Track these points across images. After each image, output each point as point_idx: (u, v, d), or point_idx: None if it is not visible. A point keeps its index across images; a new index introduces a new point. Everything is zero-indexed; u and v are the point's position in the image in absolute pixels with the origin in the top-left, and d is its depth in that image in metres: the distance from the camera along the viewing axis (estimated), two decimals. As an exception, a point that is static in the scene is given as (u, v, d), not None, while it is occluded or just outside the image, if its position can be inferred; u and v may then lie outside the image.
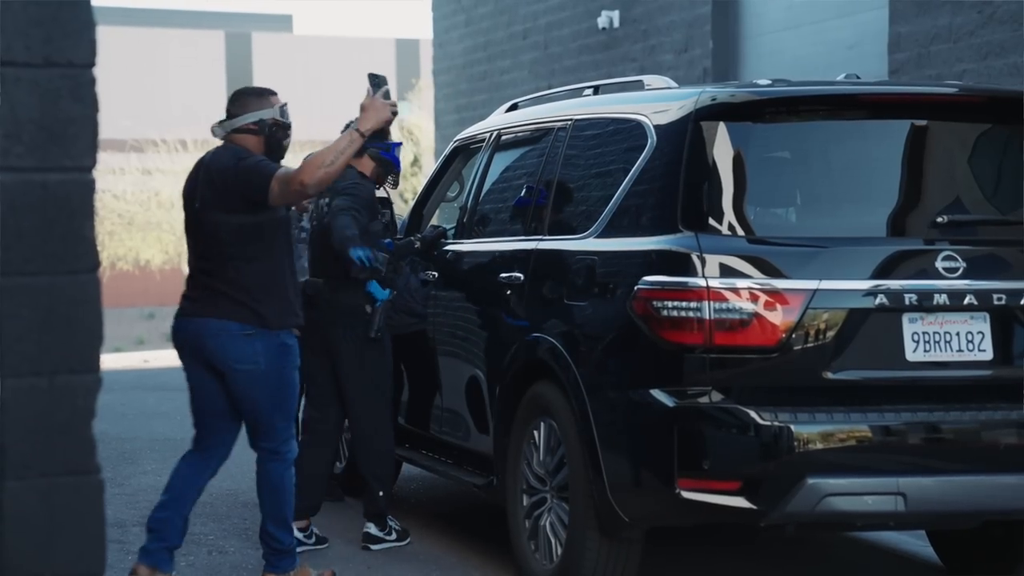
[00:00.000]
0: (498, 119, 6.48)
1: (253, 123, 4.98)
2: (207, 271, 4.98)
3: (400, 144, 6.39)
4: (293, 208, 6.62)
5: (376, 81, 4.93)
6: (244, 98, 5.05)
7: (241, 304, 4.91)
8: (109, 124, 29.54)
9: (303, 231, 6.67)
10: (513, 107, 6.54)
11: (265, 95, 5.06)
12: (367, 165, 6.12)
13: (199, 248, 5.03)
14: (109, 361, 18.32)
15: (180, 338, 5.11)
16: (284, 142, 5.04)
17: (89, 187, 2.32)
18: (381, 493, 6.06)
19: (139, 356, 19.02)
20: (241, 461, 8.25)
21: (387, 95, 4.89)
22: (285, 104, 5.06)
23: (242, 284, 4.91)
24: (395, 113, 4.88)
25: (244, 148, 4.95)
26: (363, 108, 4.83)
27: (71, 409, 2.30)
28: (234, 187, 4.83)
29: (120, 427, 9.68)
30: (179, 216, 24.85)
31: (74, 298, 2.30)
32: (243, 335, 4.92)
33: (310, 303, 5.94)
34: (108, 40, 34.72)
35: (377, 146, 6.06)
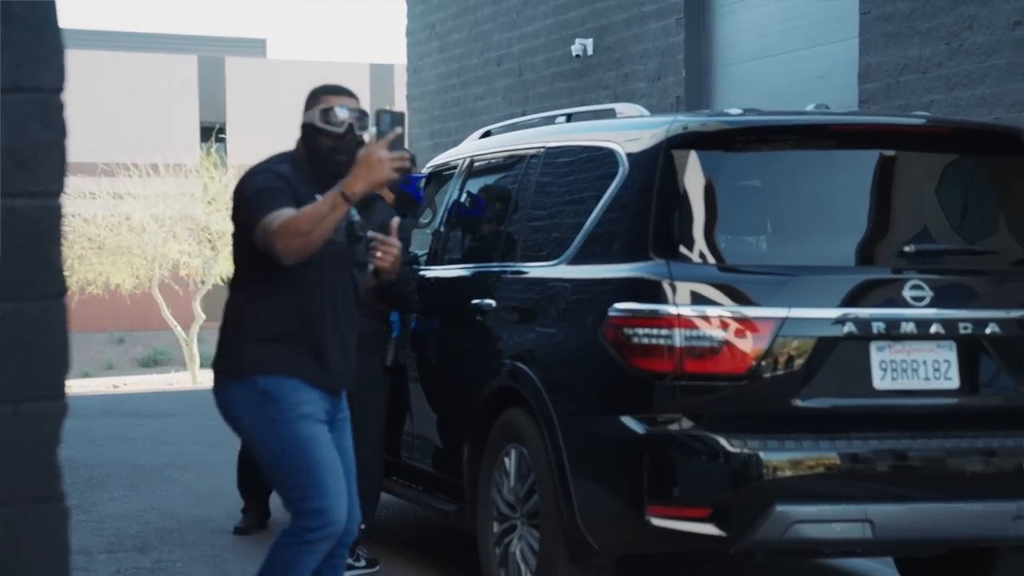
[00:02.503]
0: (471, 146, 6.50)
1: (301, 127, 4.18)
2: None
3: (423, 177, 6.24)
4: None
5: (383, 120, 3.89)
6: (307, 99, 4.21)
7: (225, 343, 4.11)
8: (80, 148, 29.46)
9: None
10: (486, 134, 6.56)
11: (318, 95, 4.15)
12: (387, 194, 6.03)
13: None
14: (78, 386, 18.20)
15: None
16: (329, 152, 4.07)
17: (57, 213, 2.31)
18: (363, 526, 6.06)
19: (108, 381, 18.91)
20: (211, 486, 8.22)
21: (398, 145, 3.85)
22: (327, 108, 4.09)
23: (234, 319, 4.10)
24: (403, 170, 3.87)
25: (283, 155, 4.18)
26: (359, 159, 3.86)
27: (36, 436, 2.28)
28: (236, 206, 4.08)
29: (88, 453, 9.62)
30: (150, 240, 24.82)
31: (41, 324, 2.28)
32: (220, 382, 4.11)
33: None
34: (80, 63, 34.68)
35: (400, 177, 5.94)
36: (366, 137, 4.05)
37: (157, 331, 29.29)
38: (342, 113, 4.08)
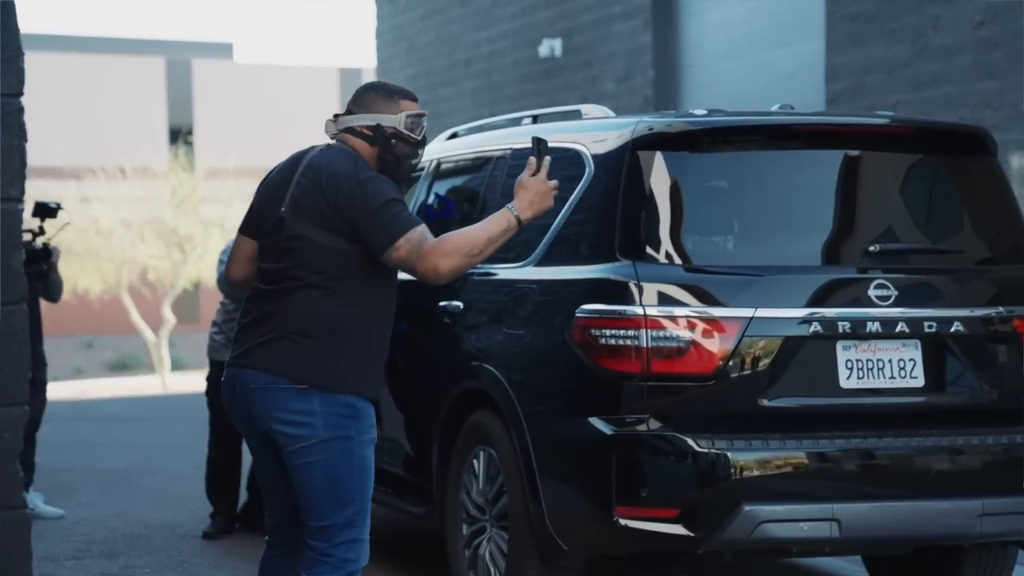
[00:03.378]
0: (438, 147, 6.49)
1: (368, 126, 4.00)
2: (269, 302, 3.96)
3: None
4: None
5: (542, 148, 4.02)
6: (368, 95, 4.05)
7: (310, 350, 3.85)
8: (46, 151, 29.30)
9: None
10: (453, 135, 6.56)
11: (395, 97, 4.05)
12: None
13: (267, 271, 3.96)
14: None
15: (227, 395, 4.04)
16: (404, 159, 4.02)
17: (17, 217, 2.30)
18: None
19: (77, 386, 18.80)
20: (180, 491, 8.19)
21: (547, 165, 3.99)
22: (418, 115, 4.04)
23: (324, 326, 3.86)
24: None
25: (358, 155, 3.98)
26: (523, 187, 3.91)
27: (-3, 442, 2.27)
28: (344, 206, 3.83)
29: (56, 459, 9.56)
30: (118, 244, 24.68)
31: (1, 330, 2.27)
32: (296, 390, 3.85)
33: None
34: (46, 67, 34.46)
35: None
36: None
37: (126, 335, 29.15)
38: (423, 123, 4.08)
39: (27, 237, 7.45)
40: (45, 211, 7.53)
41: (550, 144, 5.27)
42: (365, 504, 3.94)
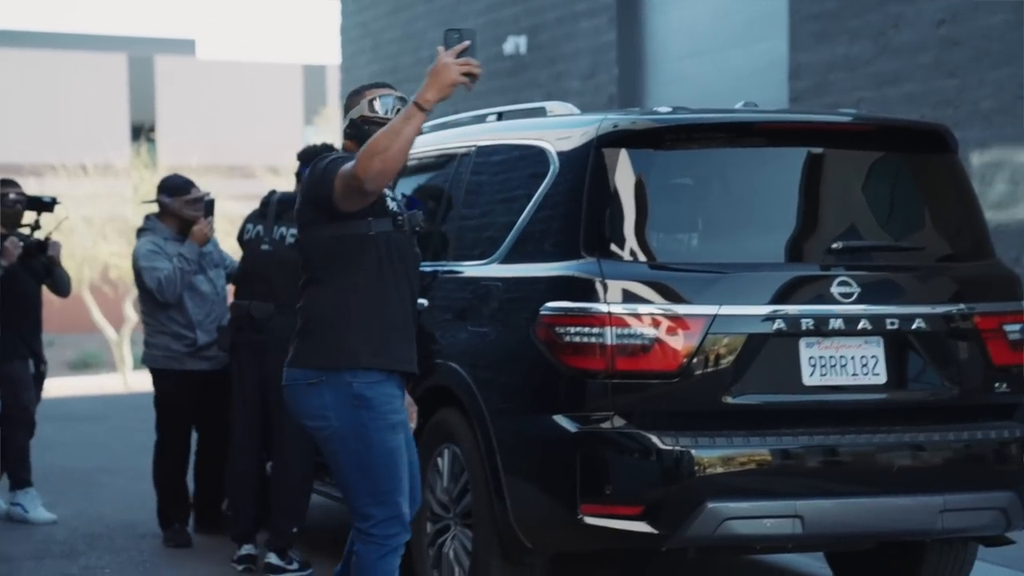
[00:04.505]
0: (402, 145, 6.46)
1: (347, 127, 4.34)
2: (295, 306, 4.36)
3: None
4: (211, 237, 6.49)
5: (451, 38, 3.94)
6: (346, 101, 4.39)
7: (307, 341, 4.18)
8: (6, 148, 29.04)
9: (202, 255, 6.60)
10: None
11: (362, 91, 4.34)
12: None
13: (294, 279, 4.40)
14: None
15: None
16: None
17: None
18: (295, 529, 6.03)
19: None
20: (141, 490, 8.13)
21: (470, 52, 3.93)
22: (381, 96, 4.28)
23: (311, 315, 4.19)
24: (471, 75, 3.90)
25: (330, 150, 4.30)
26: (428, 74, 3.92)
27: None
28: (307, 196, 4.19)
29: (16, 457, 9.46)
30: (79, 241, 24.49)
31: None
32: (307, 384, 4.17)
33: (255, 327, 5.98)
34: (6, 63, 34.17)
35: None
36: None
37: (87, 334, 28.95)
38: (387, 101, 4.27)
39: (25, 232, 7.35)
40: (39, 205, 7.39)
41: (516, 143, 5.27)
42: (395, 483, 4.16)
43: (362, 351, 4.14)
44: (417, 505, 4.44)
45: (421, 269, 5.55)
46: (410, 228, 4.31)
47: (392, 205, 4.26)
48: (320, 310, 4.19)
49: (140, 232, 6.75)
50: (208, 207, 6.57)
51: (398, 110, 4.21)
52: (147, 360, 6.68)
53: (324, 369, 4.14)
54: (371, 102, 4.28)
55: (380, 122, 4.16)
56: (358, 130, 4.26)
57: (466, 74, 3.89)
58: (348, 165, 4.00)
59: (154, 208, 6.77)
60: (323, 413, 4.14)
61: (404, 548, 4.26)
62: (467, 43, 3.92)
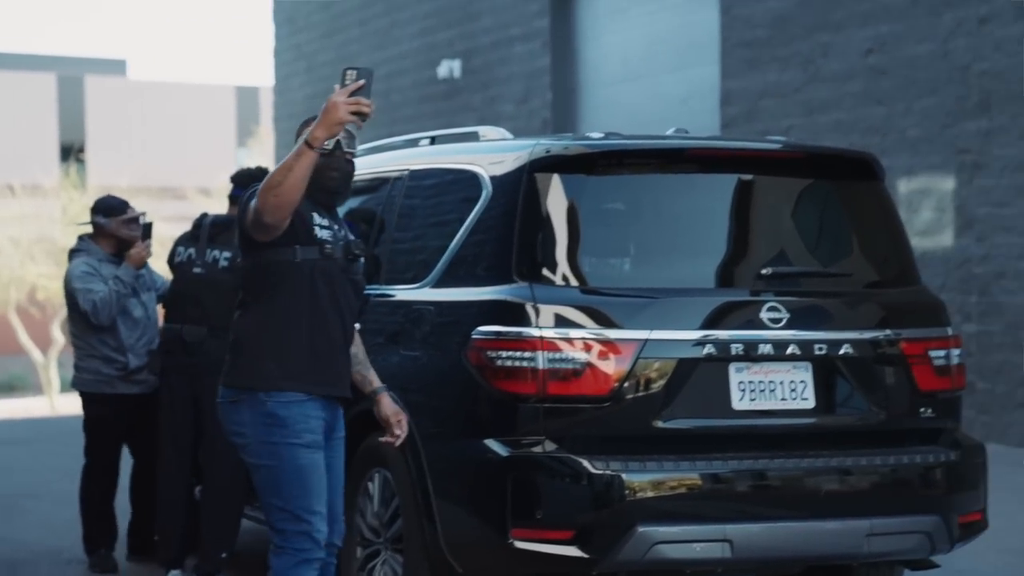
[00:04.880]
0: (334, 168, 6.45)
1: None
2: None
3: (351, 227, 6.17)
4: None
5: (347, 77, 4.00)
6: (298, 129, 4.44)
7: (232, 361, 4.34)
8: (-67, 167, 28.52)
9: (137, 278, 6.53)
10: (350, 156, 6.52)
11: (307, 122, 4.37)
12: None
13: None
14: (-71, 413, 17.57)
15: None
16: (318, 168, 4.15)
17: None
18: (224, 555, 5.97)
19: (-38, 407, 18.33)
20: (66, 515, 8.00)
21: (365, 91, 3.99)
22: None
23: (237, 337, 4.34)
24: (361, 114, 3.98)
25: None
26: (320, 111, 4.02)
27: None
28: (238, 224, 4.35)
29: (-62, 482, 9.30)
30: (6, 262, 24.17)
31: None
32: (230, 402, 4.34)
33: (187, 350, 5.91)
34: (-66, 81, 33.62)
35: None
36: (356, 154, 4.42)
37: (13, 356, 28.53)
38: (343, 133, 4.29)
39: None
40: None
41: (448, 167, 5.28)
42: (306, 501, 4.27)
43: (278, 373, 4.26)
44: (341, 531, 4.50)
45: (353, 293, 5.54)
46: (344, 255, 4.37)
47: (322, 234, 4.32)
48: (244, 333, 4.34)
49: (73, 253, 6.65)
50: (146, 230, 6.50)
51: (337, 142, 4.29)
52: (77, 383, 6.58)
53: (243, 388, 4.30)
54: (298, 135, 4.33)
55: (321, 153, 4.17)
56: None
57: (356, 112, 3.98)
58: (252, 200, 4.19)
59: (88, 229, 6.68)
60: (241, 430, 4.31)
61: (319, 564, 4.32)
62: (361, 82, 3.99)
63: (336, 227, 4.40)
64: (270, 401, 4.25)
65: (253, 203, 4.15)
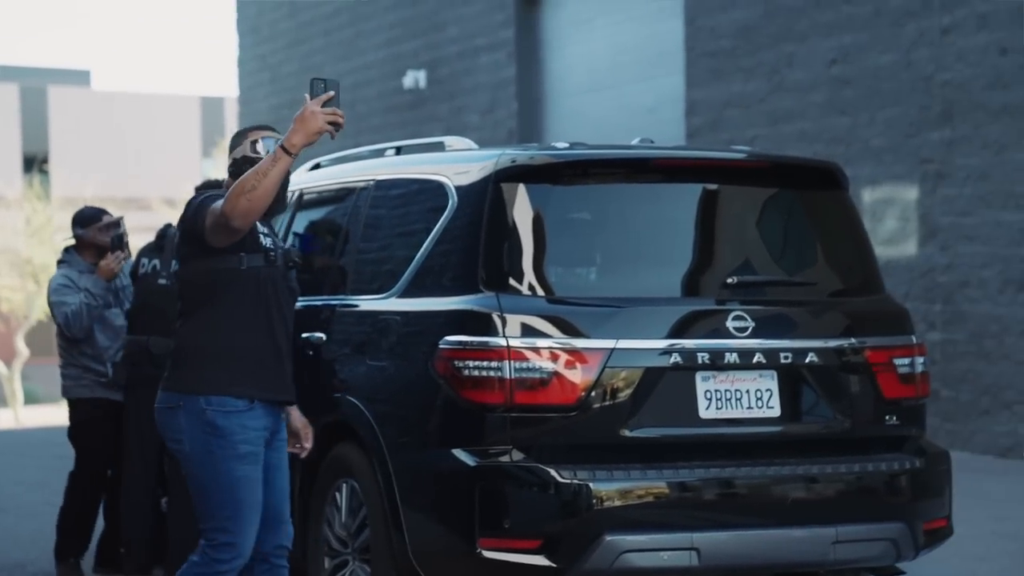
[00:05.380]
0: (301, 178, 6.44)
1: (231, 166, 4.50)
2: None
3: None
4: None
5: (316, 87, 4.13)
6: (231, 140, 4.56)
7: (174, 368, 4.38)
8: None
9: (118, 291, 6.50)
10: (316, 166, 6.52)
11: (245, 133, 4.54)
12: None
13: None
14: None
15: None
16: None
17: None
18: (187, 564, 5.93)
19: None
20: (31, 528, 7.95)
21: (334, 102, 4.11)
22: (263, 139, 4.45)
23: (181, 344, 4.38)
24: (336, 124, 4.09)
25: (212, 189, 4.48)
26: (295, 119, 4.11)
27: None
28: (183, 231, 4.38)
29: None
30: (-31, 273, 23.90)
31: None
32: (168, 407, 4.36)
33: (154, 362, 5.88)
34: None
35: None
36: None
37: (-24, 368, 28.30)
38: (269, 143, 4.42)
39: None
40: None
41: (414, 177, 5.28)
42: (236, 511, 4.30)
43: (219, 380, 4.30)
44: (289, 533, 4.52)
45: (320, 303, 5.54)
46: (284, 263, 4.45)
47: (266, 241, 4.40)
48: (189, 339, 4.38)
49: (58, 264, 6.68)
50: (116, 241, 6.45)
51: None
52: (63, 391, 6.61)
53: (183, 394, 4.33)
54: (253, 143, 4.45)
55: (257, 161, 4.31)
56: (240, 169, 4.39)
57: (331, 123, 4.09)
58: (218, 203, 4.20)
59: (71, 241, 6.69)
60: (178, 436, 4.34)
61: (237, 572, 4.37)
62: (331, 93, 4.10)
63: (275, 236, 4.51)
64: (209, 409, 4.28)
65: (217, 206, 4.17)
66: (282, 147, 4.07)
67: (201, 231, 4.25)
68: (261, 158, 4.33)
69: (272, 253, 4.39)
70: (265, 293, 4.36)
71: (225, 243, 4.25)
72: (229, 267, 4.31)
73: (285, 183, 4.35)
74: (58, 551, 6.59)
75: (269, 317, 4.37)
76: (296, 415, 4.62)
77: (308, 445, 4.64)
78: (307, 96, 4.12)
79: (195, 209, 4.31)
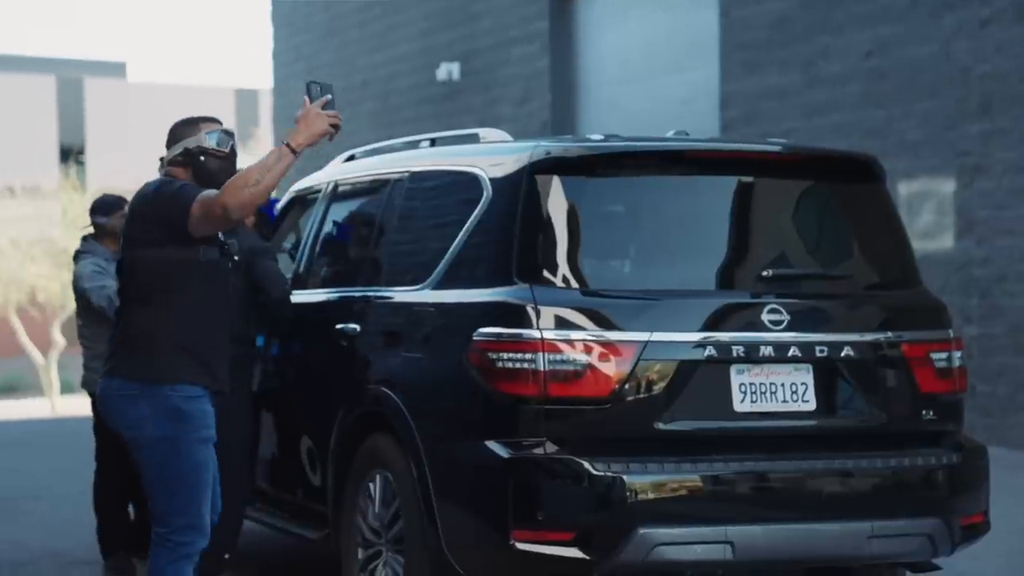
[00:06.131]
0: (335, 169, 6.46)
1: (180, 154, 4.60)
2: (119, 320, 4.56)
3: (277, 201, 6.41)
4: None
5: (313, 90, 4.36)
6: (176, 129, 4.67)
7: (131, 356, 4.45)
8: (-68, 169, 28.48)
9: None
10: (350, 158, 6.53)
11: (196, 123, 4.65)
12: (249, 219, 6.17)
13: (122, 293, 4.60)
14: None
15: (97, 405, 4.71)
16: (217, 174, 4.51)
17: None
18: (227, 556, 5.97)
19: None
20: (66, 516, 8.01)
21: (331, 105, 4.35)
22: (217, 131, 4.60)
23: (136, 332, 4.45)
24: (335, 126, 4.33)
25: (173, 178, 4.57)
26: (297, 120, 4.33)
27: None
28: (153, 216, 4.43)
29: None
30: (6, 264, 24.17)
31: None
32: (123, 395, 4.44)
33: None
34: (-67, 82, 33.61)
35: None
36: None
37: (14, 357, 28.51)
38: (214, 136, 4.58)
39: None
40: None
41: (449, 169, 5.28)
42: (198, 494, 4.45)
43: (183, 368, 4.42)
44: (218, 508, 4.66)
45: (354, 294, 5.55)
46: (222, 255, 4.58)
47: (222, 235, 4.54)
48: (146, 328, 4.44)
49: (79, 255, 6.65)
50: None
51: (232, 146, 4.57)
52: (86, 384, 6.58)
53: (144, 382, 4.40)
54: (209, 135, 4.59)
55: (215, 154, 4.54)
56: (193, 159, 4.56)
57: (332, 125, 4.32)
58: (210, 193, 4.32)
59: (90, 230, 6.68)
60: (140, 424, 4.40)
61: (199, 556, 4.50)
62: (329, 97, 4.34)
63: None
64: (174, 395, 4.38)
65: (209, 196, 4.28)
66: (288, 146, 4.25)
67: (182, 220, 4.33)
68: (221, 151, 4.53)
69: (226, 246, 4.55)
70: (218, 285, 4.52)
71: (209, 233, 4.38)
72: (188, 258, 4.42)
73: (231, 172, 4.48)
74: (103, 544, 6.61)
75: (220, 309, 4.53)
76: None
77: None
78: (306, 99, 4.31)
79: (172, 196, 4.37)
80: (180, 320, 4.43)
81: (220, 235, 4.51)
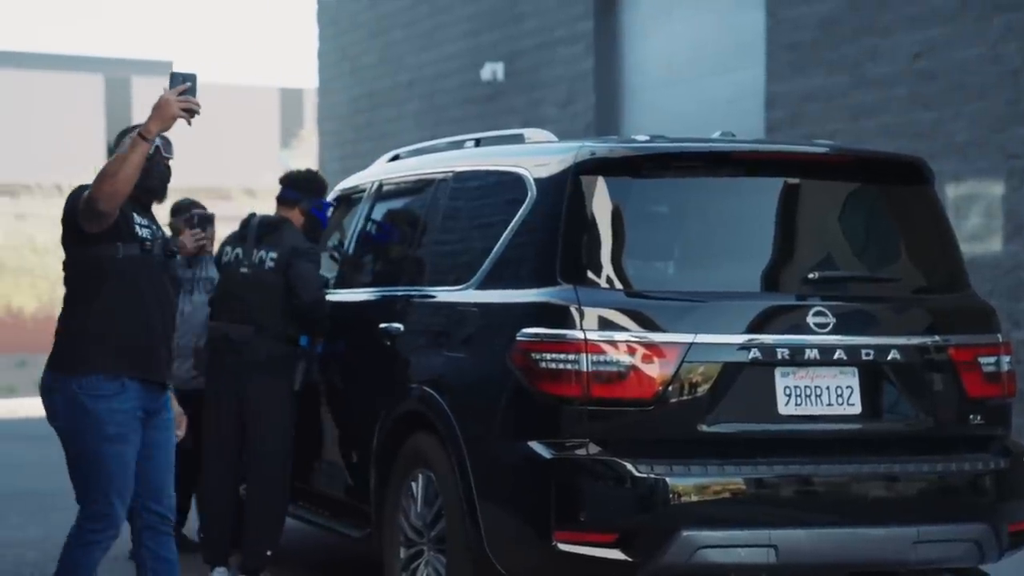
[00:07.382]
0: (379, 169, 6.47)
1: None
2: None
3: (332, 204, 6.43)
4: (177, 256, 6.49)
5: (176, 79, 4.59)
6: (118, 136, 4.83)
7: (54, 349, 4.64)
8: (-18, 167, 28.79)
9: (198, 280, 6.58)
10: (395, 157, 6.54)
11: (125, 132, 4.76)
12: (297, 218, 6.21)
13: None
14: (-23, 410, 17.77)
15: None
16: (149, 174, 4.59)
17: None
18: (269, 552, 6.00)
19: (8, 405, 18.51)
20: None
21: (190, 92, 4.55)
22: (128, 128, 4.72)
23: (60, 327, 4.63)
24: (190, 111, 4.50)
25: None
26: (152, 108, 4.51)
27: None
28: (63, 218, 4.65)
29: (-15, 478, 9.39)
30: (53, 262, 24.37)
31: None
32: (45, 387, 4.64)
33: (233, 348, 5.95)
34: (-17, 81, 33.99)
35: (312, 201, 6.23)
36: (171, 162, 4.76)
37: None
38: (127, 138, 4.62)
39: None
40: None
41: (493, 169, 5.28)
42: (105, 487, 4.56)
43: (91, 360, 4.53)
44: (171, 506, 4.75)
45: (398, 293, 5.56)
46: (162, 252, 4.71)
47: (143, 232, 4.64)
48: (67, 322, 4.63)
49: None
50: (201, 221, 6.57)
51: (157, 148, 4.66)
52: None
53: (59, 375, 4.58)
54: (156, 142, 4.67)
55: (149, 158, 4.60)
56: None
57: (186, 110, 4.50)
58: (85, 191, 4.50)
59: None
60: (55, 415, 4.62)
61: (110, 545, 4.62)
62: (187, 84, 4.56)
63: (154, 226, 4.72)
64: (80, 393, 4.53)
65: (86, 193, 4.45)
66: (139, 134, 4.43)
67: (76, 219, 4.51)
68: (157, 157, 4.64)
69: (148, 243, 4.65)
70: (140, 281, 4.60)
71: (96, 228, 4.50)
72: (106, 255, 4.56)
73: (160, 172, 4.67)
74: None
75: (145, 303, 4.61)
76: (173, 404, 4.80)
77: (180, 433, 4.86)
78: (165, 87, 4.52)
79: (73, 199, 4.56)
80: (99, 314, 4.55)
81: (141, 232, 4.61)
